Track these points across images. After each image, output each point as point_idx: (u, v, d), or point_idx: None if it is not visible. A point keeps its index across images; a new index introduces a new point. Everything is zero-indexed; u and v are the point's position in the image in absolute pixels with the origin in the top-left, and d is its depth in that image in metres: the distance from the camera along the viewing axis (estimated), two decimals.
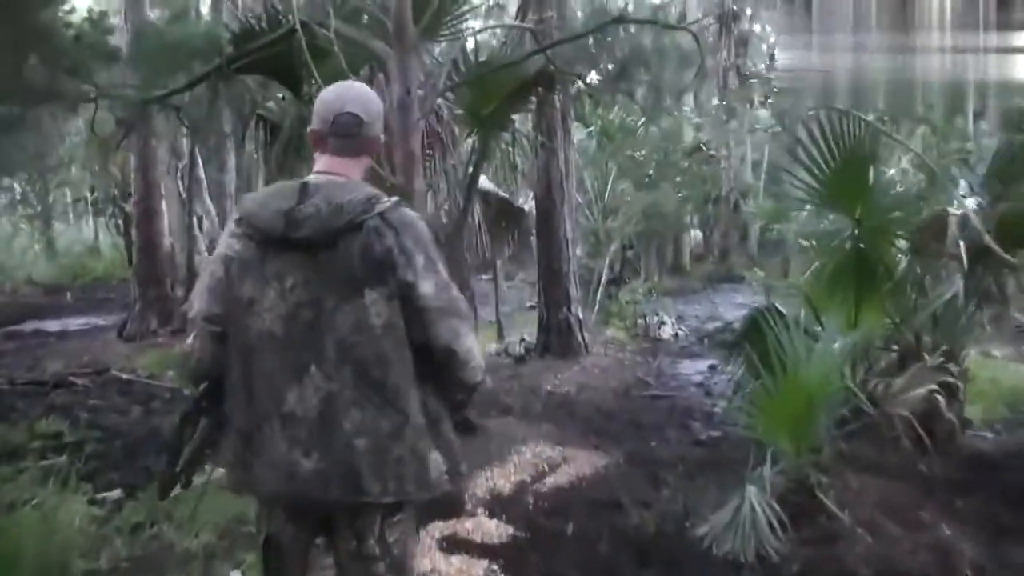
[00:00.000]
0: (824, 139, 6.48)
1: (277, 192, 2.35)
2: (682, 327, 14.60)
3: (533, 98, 8.90)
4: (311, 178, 2.35)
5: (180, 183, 13.68)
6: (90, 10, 9.54)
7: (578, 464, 6.22)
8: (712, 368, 10.92)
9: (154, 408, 8.45)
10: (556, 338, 10.77)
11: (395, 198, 2.32)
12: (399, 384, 2.26)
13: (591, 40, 7.83)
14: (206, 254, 14.11)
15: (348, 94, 2.42)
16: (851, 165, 6.55)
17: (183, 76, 8.14)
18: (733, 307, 19.12)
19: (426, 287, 2.25)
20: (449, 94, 7.46)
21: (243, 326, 2.30)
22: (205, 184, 14.20)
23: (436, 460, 2.33)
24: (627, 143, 14.76)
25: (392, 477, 2.26)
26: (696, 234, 27.65)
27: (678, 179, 16.76)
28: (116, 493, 5.83)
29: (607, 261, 14.34)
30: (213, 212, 14.47)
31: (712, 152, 18.43)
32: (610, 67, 8.26)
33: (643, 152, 15.19)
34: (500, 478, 5.85)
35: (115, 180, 17.77)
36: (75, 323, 14.93)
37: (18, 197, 27.88)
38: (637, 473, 6.11)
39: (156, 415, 8.13)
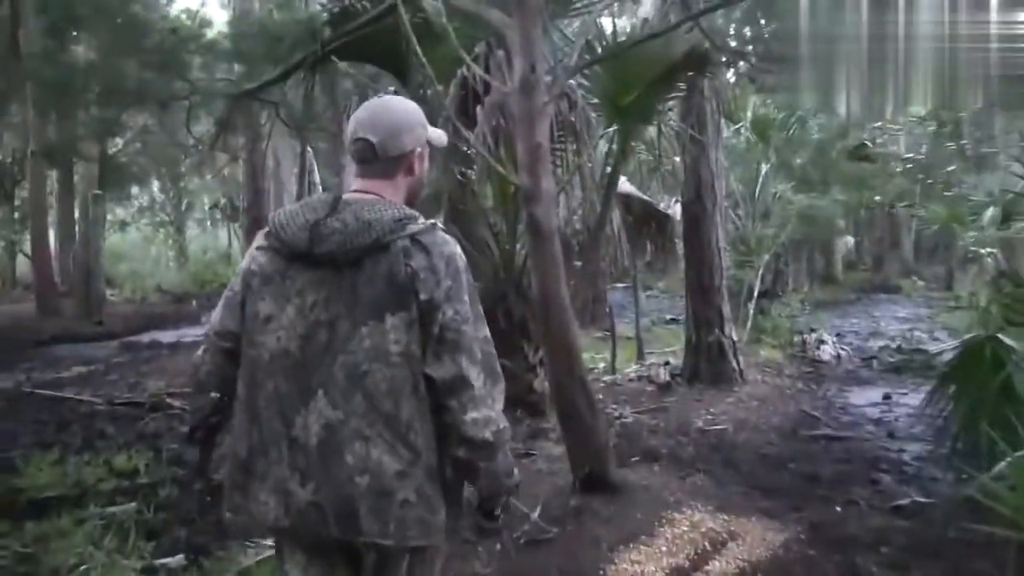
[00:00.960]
0: None
1: (308, 205, 2.24)
2: (843, 346, 12.93)
3: (681, 84, 7.56)
4: (346, 195, 2.26)
5: (299, 188, 12.89)
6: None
7: (749, 542, 4.84)
8: (887, 398, 9.63)
9: None
10: (706, 362, 9.36)
11: (431, 221, 2.19)
12: (412, 419, 2.13)
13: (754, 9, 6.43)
14: None
15: (362, 117, 2.28)
16: None
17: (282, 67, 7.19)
18: (895, 322, 17.35)
19: (447, 312, 2.11)
20: (583, 77, 6.18)
21: (257, 343, 2.23)
22: (321, 189, 13.38)
23: (439, 511, 2.19)
24: (781, 140, 13.13)
25: (394, 519, 2.12)
26: (848, 240, 25.56)
27: (839, 181, 14.96)
28: (177, 559, 4.82)
29: (759, 272, 12.75)
30: None
31: (877, 150, 16.49)
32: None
33: (800, 150, 13.50)
34: (649, 561, 4.54)
35: (240, 185, 17.26)
36: (193, 333, 14.34)
37: (153, 203, 28.13)
38: (826, 559, 4.69)
39: None
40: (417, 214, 2.19)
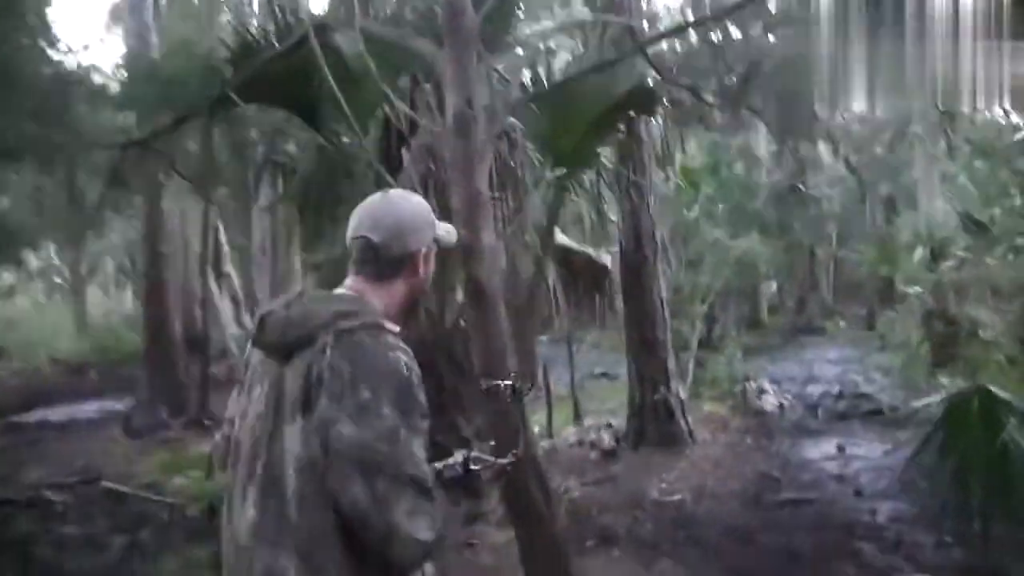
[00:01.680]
0: None
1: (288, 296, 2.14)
2: (785, 395, 12.44)
3: (621, 125, 7.00)
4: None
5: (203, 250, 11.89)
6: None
7: None
8: (841, 450, 9.16)
9: (141, 540, 6.49)
10: (653, 424, 8.69)
11: (377, 321, 1.95)
12: (316, 536, 1.88)
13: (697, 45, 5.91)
14: (229, 332, 12.31)
15: (363, 213, 2.11)
16: None
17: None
18: (827, 365, 17.06)
19: (347, 428, 1.83)
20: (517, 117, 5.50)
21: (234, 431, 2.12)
22: (227, 250, 12.43)
23: None
24: (712, 185, 12.72)
25: None
26: (771, 284, 25.41)
27: (772, 226, 14.62)
28: None
29: (695, 322, 12.20)
30: (236, 284, 12.61)
31: (810, 193, 16.26)
32: (725, 79, 6.28)
33: (732, 195, 13.11)
34: None
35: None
36: (87, 410, 13.07)
37: (49, 266, 26.55)
38: None
39: (141, 551, 6.19)
40: (364, 312, 1.97)
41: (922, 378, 14.00)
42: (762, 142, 18.23)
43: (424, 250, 2.12)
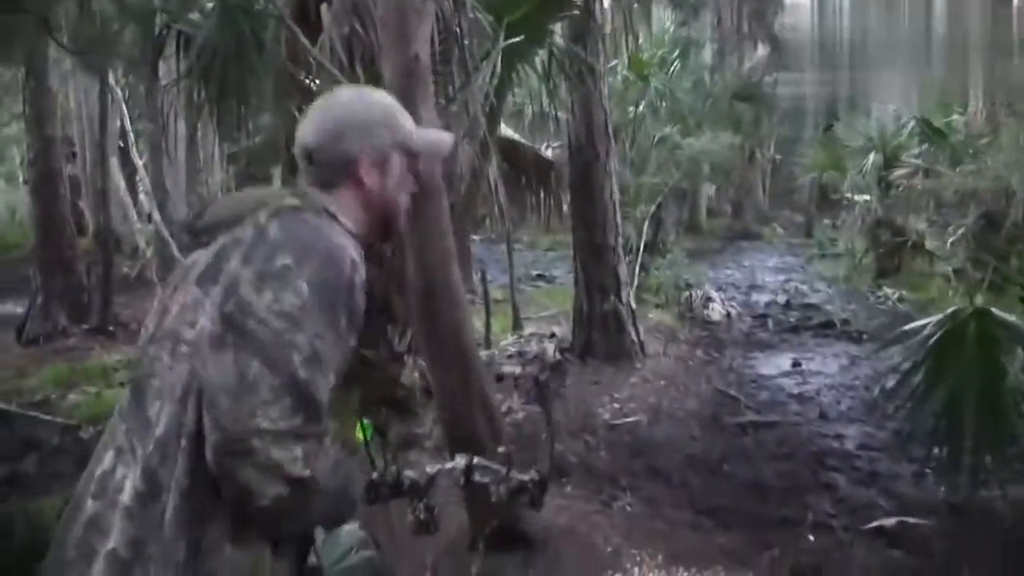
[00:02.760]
0: None
1: None
2: (731, 304, 11.93)
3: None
4: None
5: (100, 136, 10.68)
6: None
7: None
8: (796, 366, 8.71)
9: (23, 472, 5.63)
10: (601, 335, 7.97)
11: (325, 208, 1.60)
12: (168, 451, 1.47)
13: None
14: (137, 227, 11.24)
15: (308, 114, 1.76)
16: None
17: None
18: (768, 272, 16.65)
19: (244, 290, 1.44)
20: None
21: None
22: (132, 137, 11.22)
23: None
24: (662, 79, 11.87)
25: None
26: (709, 187, 24.90)
27: (725, 124, 13.85)
28: None
29: (643, 225, 11.48)
30: (143, 173, 11.41)
31: (766, 92, 15.49)
32: None
33: (684, 90, 12.28)
34: None
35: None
36: None
37: None
38: None
39: (25, 484, 5.35)
40: (324, 206, 1.63)
41: (866, 288, 13.69)
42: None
43: (372, 153, 1.72)
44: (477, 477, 1.89)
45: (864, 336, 9.97)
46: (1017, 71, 12.46)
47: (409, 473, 1.89)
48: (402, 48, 3.28)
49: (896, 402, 5.47)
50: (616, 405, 6.70)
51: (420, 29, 3.35)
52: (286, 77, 5.16)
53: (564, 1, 5.81)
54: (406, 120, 1.78)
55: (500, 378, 6.88)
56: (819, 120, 23.29)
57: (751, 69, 16.77)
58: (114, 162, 11.32)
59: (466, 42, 4.05)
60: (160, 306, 1.65)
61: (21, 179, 30.76)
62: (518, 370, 7.02)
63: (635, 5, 7.64)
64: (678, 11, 10.19)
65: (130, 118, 11.16)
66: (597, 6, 7.34)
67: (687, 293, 11.74)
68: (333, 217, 1.62)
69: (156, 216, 10.95)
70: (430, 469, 1.86)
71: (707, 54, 15.99)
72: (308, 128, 1.73)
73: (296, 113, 5.66)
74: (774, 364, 8.72)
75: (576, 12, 6.12)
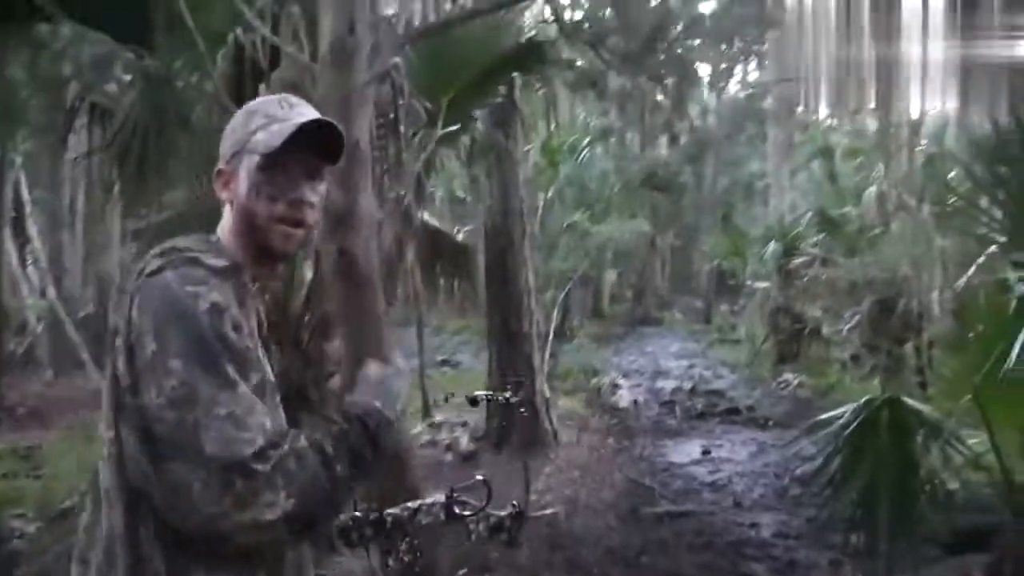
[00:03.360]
0: None
1: None
2: (638, 390, 12.04)
3: (502, 86, 6.23)
4: None
5: None
6: None
7: None
8: (707, 453, 8.75)
9: None
10: (516, 424, 7.87)
11: (187, 254, 1.46)
12: (112, 536, 1.44)
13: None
14: (28, 300, 10.74)
15: None
16: None
17: None
18: (671, 358, 16.90)
19: (129, 396, 1.40)
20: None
21: None
22: (29, 208, 10.79)
23: None
24: (572, 166, 12.09)
25: None
26: (612, 273, 25.34)
27: (633, 211, 14.17)
28: None
29: (553, 312, 11.53)
30: (37, 246, 10.95)
31: (677, 178, 15.91)
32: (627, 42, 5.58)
33: (592, 177, 12.53)
34: None
35: None
36: None
37: None
38: None
39: None
40: (196, 246, 1.49)
41: (767, 374, 14.01)
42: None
43: (224, 164, 1.59)
44: (458, 511, 1.84)
45: (770, 422, 10.17)
46: (904, 168, 13.10)
47: (391, 510, 1.84)
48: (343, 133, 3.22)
49: (813, 490, 5.52)
50: (533, 496, 6.58)
51: (360, 112, 3.31)
52: (207, 153, 5.04)
53: (491, 87, 5.85)
54: (255, 119, 1.58)
55: None
56: (716, 209, 24.17)
57: (658, 159, 17.23)
58: (6, 233, 10.85)
59: (402, 128, 4.02)
60: None
61: None
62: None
63: (541, 92, 7.72)
64: (605, 101, 10.36)
65: (28, 188, 10.75)
66: (517, 92, 7.45)
67: (595, 380, 11.82)
68: (192, 261, 1.47)
69: (51, 292, 10.50)
70: (411, 504, 1.82)
71: (615, 142, 16.40)
72: None
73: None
74: (684, 452, 8.77)
75: (500, 99, 6.17)
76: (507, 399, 2.25)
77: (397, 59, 3.69)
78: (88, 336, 11.62)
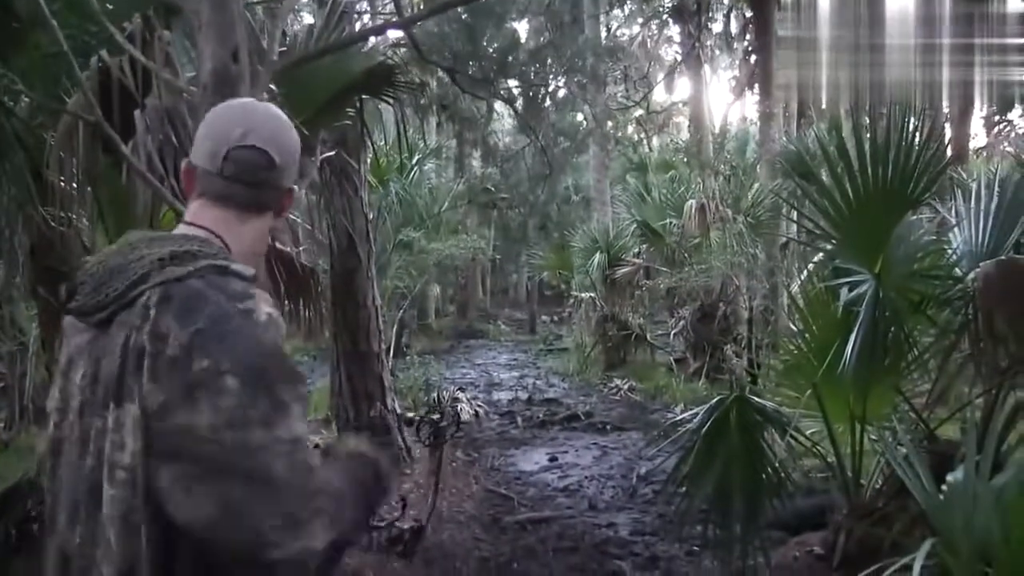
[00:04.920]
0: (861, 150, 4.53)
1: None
2: (477, 403, 12.19)
3: (350, 110, 6.25)
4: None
5: None
6: None
7: None
8: (553, 460, 9.02)
9: None
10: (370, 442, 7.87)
11: (215, 261, 1.40)
12: (136, 565, 1.33)
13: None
14: None
15: (253, 119, 1.55)
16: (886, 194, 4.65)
17: None
18: (502, 369, 17.20)
19: (177, 416, 1.30)
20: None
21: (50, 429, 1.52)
22: None
23: None
24: (402, 185, 12.16)
25: None
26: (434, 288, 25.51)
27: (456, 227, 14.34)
28: None
29: (392, 328, 11.55)
30: None
31: (503, 196, 16.20)
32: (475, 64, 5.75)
33: (421, 196, 12.63)
34: None
35: None
36: None
37: None
38: None
39: None
40: (215, 253, 1.43)
41: (597, 380, 14.51)
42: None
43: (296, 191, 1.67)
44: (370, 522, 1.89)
45: (608, 426, 10.57)
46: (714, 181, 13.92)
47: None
48: None
49: (669, 488, 5.82)
50: (397, 512, 6.62)
51: None
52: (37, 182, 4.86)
53: (340, 111, 5.88)
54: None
55: None
56: (533, 221, 24.77)
57: (479, 175, 17.54)
58: None
59: None
60: (58, 394, 1.51)
61: None
62: None
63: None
64: (453, 123, 10.48)
65: None
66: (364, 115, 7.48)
67: (434, 394, 11.90)
68: (225, 271, 1.42)
69: None
70: None
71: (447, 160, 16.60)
72: (261, 134, 1.54)
73: (49, 222, 5.32)
74: (532, 460, 8.99)
75: (349, 121, 6.20)
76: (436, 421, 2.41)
77: (272, 87, 3.70)
78: None
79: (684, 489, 5.39)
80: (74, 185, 5.14)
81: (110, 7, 3.45)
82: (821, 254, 6.09)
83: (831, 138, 7.61)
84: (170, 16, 3.73)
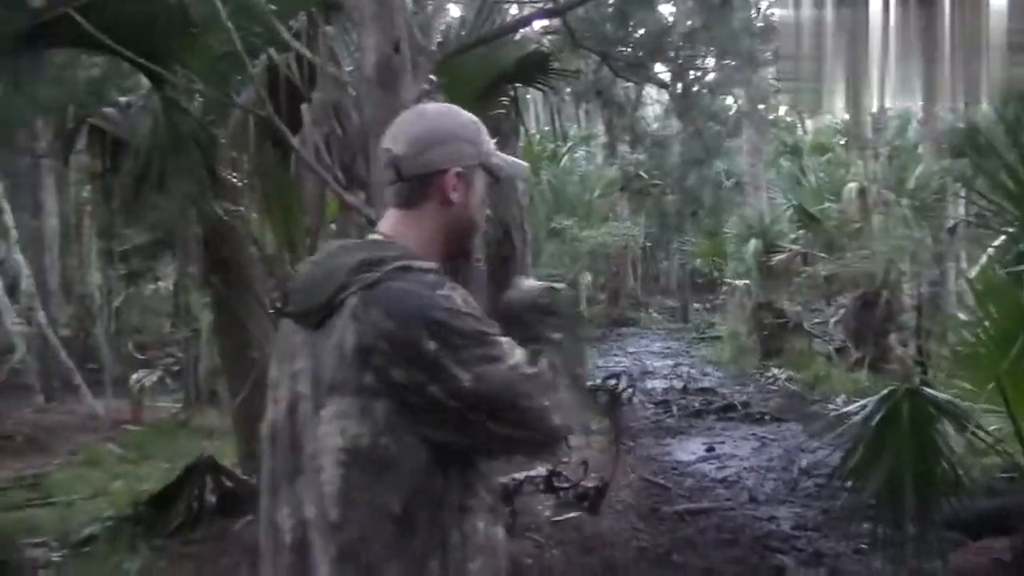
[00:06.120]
0: None
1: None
2: (630, 390, 12.09)
3: (504, 99, 6.28)
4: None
5: None
6: None
7: None
8: (711, 450, 8.88)
9: None
10: None
11: (398, 263, 1.56)
12: (369, 540, 1.52)
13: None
14: (13, 328, 10.58)
15: (394, 125, 1.72)
16: None
17: None
18: (654, 357, 17.00)
19: (431, 388, 1.49)
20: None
21: (268, 412, 1.73)
22: (14, 234, 10.65)
23: None
24: (553, 172, 12.17)
25: None
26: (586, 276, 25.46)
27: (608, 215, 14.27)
28: None
29: None
30: (25, 272, 10.79)
31: (655, 182, 16.03)
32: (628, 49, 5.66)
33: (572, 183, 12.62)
34: None
35: None
36: None
37: None
38: None
39: None
40: (399, 255, 1.58)
41: (753, 370, 14.17)
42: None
43: (458, 170, 1.69)
44: (556, 483, 2.08)
45: (766, 417, 10.30)
46: (873, 163, 13.32)
47: (502, 479, 2.05)
48: None
49: (834, 482, 5.60)
50: (579, 474, 6.65)
51: None
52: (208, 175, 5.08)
53: (493, 101, 5.92)
54: (485, 139, 1.77)
55: None
56: (686, 208, 24.33)
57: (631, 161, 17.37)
58: None
59: None
60: (274, 384, 1.71)
61: None
62: None
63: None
64: (604, 110, 10.43)
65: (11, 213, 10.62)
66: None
67: (588, 383, 11.89)
68: (408, 269, 1.59)
69: (40, 318, 10.37)
70: (519, 475, 2.12)
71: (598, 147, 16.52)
72: (393, 134, 1.71)
73: (220, 214, 5.56)
74: (688, 450, 8.86)
75: (503, 110, 6.23)
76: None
77: (433, 77, 3.73)
78: (75, 359, 11.50)
79: (850, 484, 5.16)
80: (244, 179, 5.36)
81: (275, 8, 3.54)
82: (1002, 237, 5.71)
83: (1011, 110, 7.11)
84: (332, 12, 3.82)
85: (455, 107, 1.82)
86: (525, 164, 1.95)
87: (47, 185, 11.50)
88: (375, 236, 1.72)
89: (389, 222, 1.73)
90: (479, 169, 1.74)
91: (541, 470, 1.72)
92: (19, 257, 10.66)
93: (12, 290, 11.16)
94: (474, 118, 1.77)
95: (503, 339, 1.56)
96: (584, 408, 1.71)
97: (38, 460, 8.61)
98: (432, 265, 1.61)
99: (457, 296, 1.56)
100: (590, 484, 2.04)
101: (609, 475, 2.24)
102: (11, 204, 10.55)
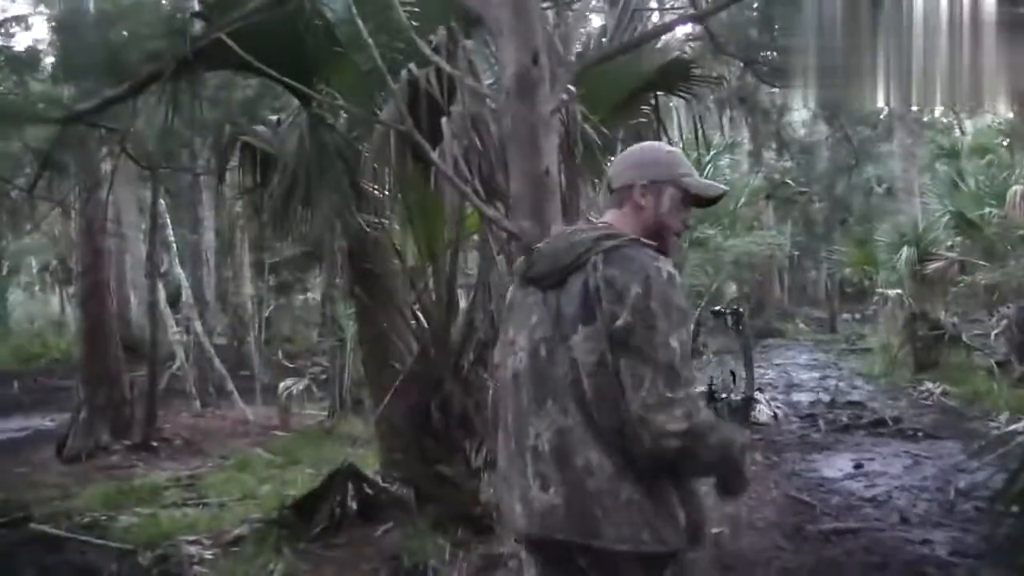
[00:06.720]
0: None
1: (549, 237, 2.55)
2: (775, 404, 11.76)
3: (645, 107, 6.19)
4: None
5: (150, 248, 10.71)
6: None
7: None
8: (859, 467, 8.45)
9: None
10: None
11: (630, 237, 2.19)
12: (614, 425, 2.12)
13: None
14: (176, 337, 11.14)
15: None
16: None
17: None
18: (801, 369, 16.50)
19: (620, 321, 2.08)
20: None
21: (505, 366, 2.38)
22: (175, 248, 11.24)
23: (673, 514, 2.13)
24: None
25: (625, 523, 2.09)
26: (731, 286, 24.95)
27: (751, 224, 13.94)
28: None
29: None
30: (184, 284, 11.38)
31: (802, 190, 15.61)
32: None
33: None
34: None
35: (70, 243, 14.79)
36: (8, 428, 11.75)
37: None
38: None
39: None
40: (624, 234, 2.21)
41: (906, 383, 13.54)
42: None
43: (645, 184, 2.29)
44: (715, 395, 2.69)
45: (920, 433, 9.80)
46: None
47: None
48: (533, 162, 3.25)
49: (997, 507, 5.28)
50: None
51: (547, 142, 3.32)
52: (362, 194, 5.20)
53: (634, 110, 5.84)
54: (685, 166, 2.34)
55: None
56: (834, 216, 23.53)
57: (775, 168, 16.94)
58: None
59: (577, 156, 4.04)
60: (510, 339, 2.35)
61: (37, 288, 30.95)
62: None
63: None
64: (749, 116, 10.22)
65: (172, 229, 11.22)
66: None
67: (730, 396, 11.62)
68: (639, 242, 2.17)
69: (197, 327, 10.90)
70: (725, 395, 2.64)
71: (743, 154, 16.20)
72: (613, 162, 2.51)
73: (364, 227, 5.68)
74: (835, 466, 8.52)
75: (644, 119, 6.16)
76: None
77: (571, 87, 3.72)
78: (228, 367, 12.07)
79: (1016, 509, 4.86)
80: (386, 191, 5.47)
81: (416, 23, 3.61)
82: None
83: None
84: (471, 26, 3.85)
85: (659, 144, 2.62)
86: (719, 185, 2.46)
87: (205, 201, 12.09)
88: (602, 223, 2.31)
89: (607, 218, 2.33)
90: (669, 185, 2.28)
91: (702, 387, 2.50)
92: (180, 270, 11.26)
93: (174, 301, 11.80)
94: (672, 149, 2.43)
95: (676, 319, 2.06)
96: (712, 418, 2.13)
97: (194, 462, 9.05)
98: (653, 244, 2.18)
99: (671, 268, 2.12)
100: (738, 398, 2.33)
101: (752, 389, 2.57)
102: (173, 220, 11.15)
